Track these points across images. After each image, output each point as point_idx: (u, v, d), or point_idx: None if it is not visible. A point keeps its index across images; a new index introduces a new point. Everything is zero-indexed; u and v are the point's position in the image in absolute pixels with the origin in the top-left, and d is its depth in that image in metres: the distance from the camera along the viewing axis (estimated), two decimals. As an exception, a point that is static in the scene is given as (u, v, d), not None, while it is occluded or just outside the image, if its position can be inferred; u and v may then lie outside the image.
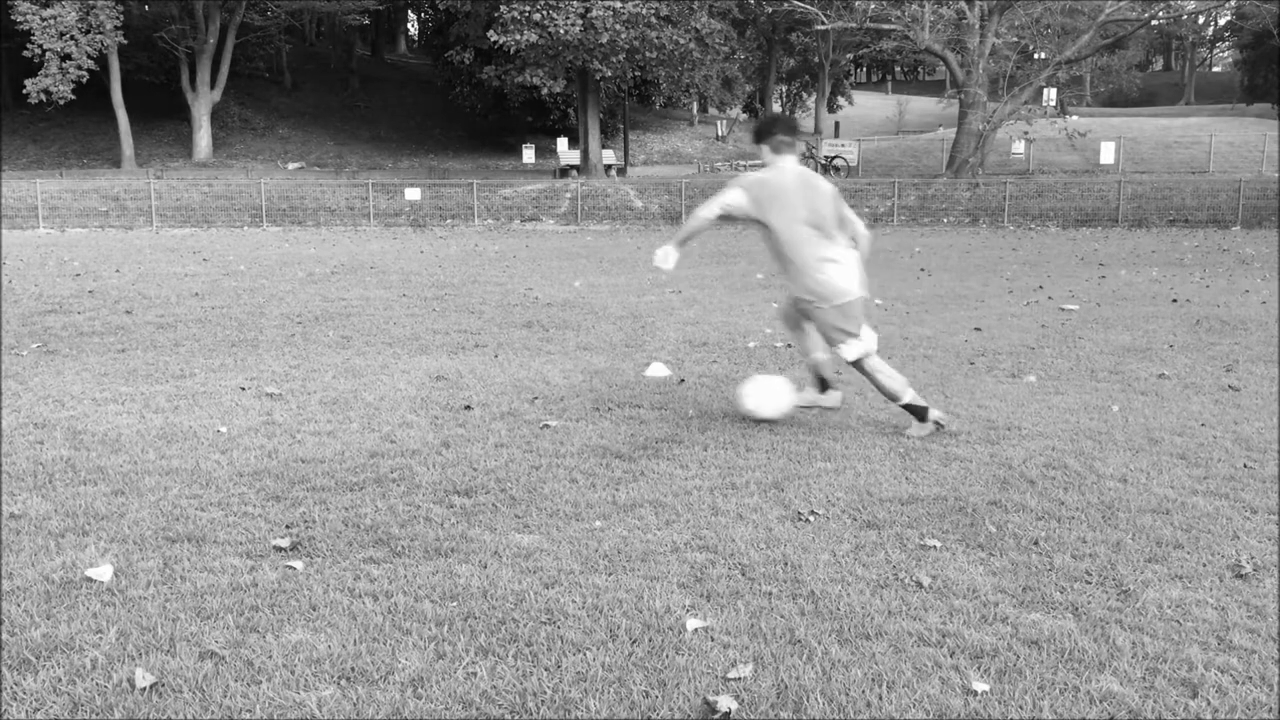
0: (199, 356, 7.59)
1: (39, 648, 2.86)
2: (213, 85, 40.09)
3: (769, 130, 5.33)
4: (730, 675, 2.73)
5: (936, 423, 5.27)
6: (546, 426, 5.40)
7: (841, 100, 66.57)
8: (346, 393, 6.24)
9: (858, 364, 5.23)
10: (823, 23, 33.36)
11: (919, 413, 5.25)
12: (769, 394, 5.50)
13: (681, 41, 34.32)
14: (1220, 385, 6.56)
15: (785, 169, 5.21)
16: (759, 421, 5.46)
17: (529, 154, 39.15)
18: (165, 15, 38.88)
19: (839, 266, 5.16)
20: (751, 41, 50.67)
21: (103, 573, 3.37)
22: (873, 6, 32.79)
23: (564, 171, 36.83)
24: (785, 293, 5.53)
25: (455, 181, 31.56)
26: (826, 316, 5.15)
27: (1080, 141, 34.60)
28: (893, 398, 5.26)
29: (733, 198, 5.13)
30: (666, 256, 5.37)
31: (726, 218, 5.19)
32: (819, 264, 5.10)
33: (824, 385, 5.56)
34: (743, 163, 44.65)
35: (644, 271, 14.68)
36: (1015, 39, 35.01)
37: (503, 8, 33.39)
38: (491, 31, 33.96)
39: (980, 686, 2.68)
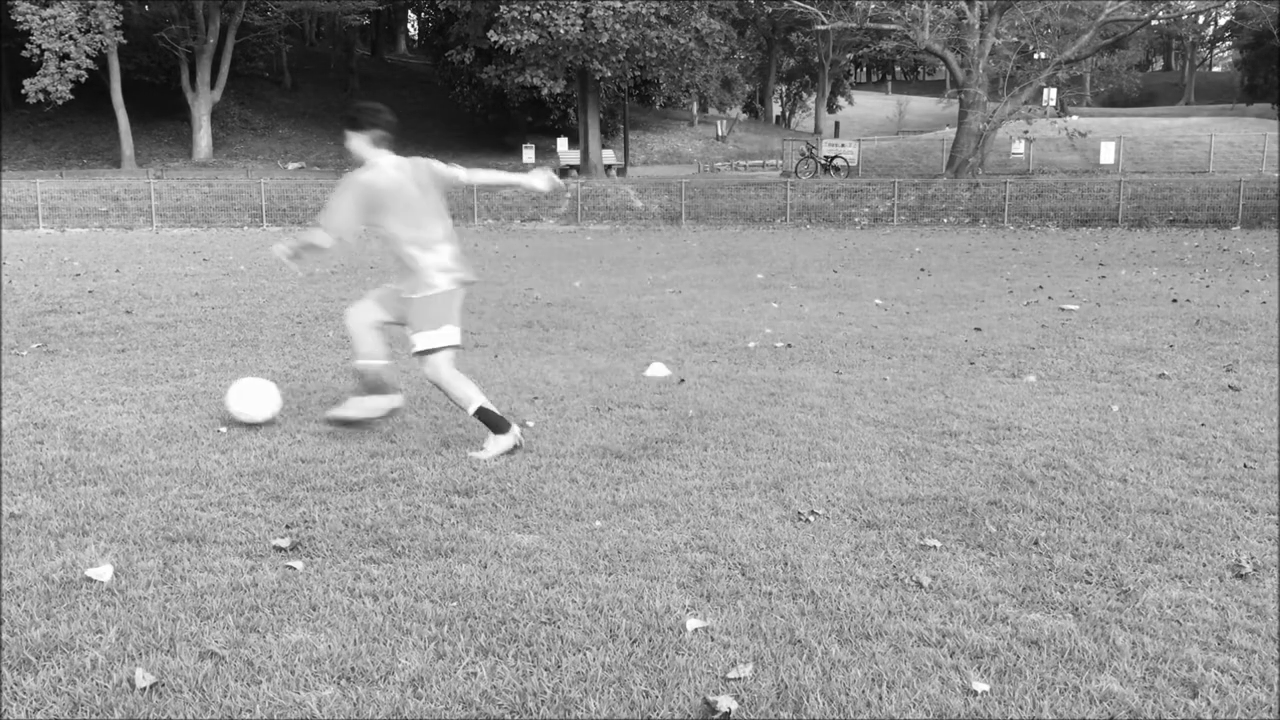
0: (199, 356, 7.59)
1: (39, 648, 2.86)
2: (213, 85, 40.11)
3: (370, 120, 4.87)
4: (730, 675, 2.73)
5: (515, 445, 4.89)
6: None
7: (841, 100, 66.63)
8: (347, 393, 6.24)
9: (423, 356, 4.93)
10: (823, 23, 33.34)
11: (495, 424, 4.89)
12: (253, 396, 5.33)
13: (681, 41, 34.33)
14: (1220, 385, 6.56)
15: (386, 166, 4.88)
16: (252, 425, 5.28)
17: (529, 154, 39.12)
18: (165, 15, 38.91)
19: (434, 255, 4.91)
20: (751, 41, 50.72)
21: (103, 573, 3.37)
22: (873, 6, 32.78)
23: (564, 171, 36.83)
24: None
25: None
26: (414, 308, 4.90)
27: (1080, 141, 34.59)
28: (461, 405, 4.95)
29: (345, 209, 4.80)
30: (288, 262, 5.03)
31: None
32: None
33: (381, 389, 5.16)
34: (743, 162, 44.71)
35: (644, 271, 14.69)
36: (1015, 39, 34.98)
37: (503, 8, 33.40)
38: (491, 31, 33.98)
39: (980, 686, 2.69)
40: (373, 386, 5.10)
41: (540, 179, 5.14)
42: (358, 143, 4.90)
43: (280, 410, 5.49)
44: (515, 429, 4.95)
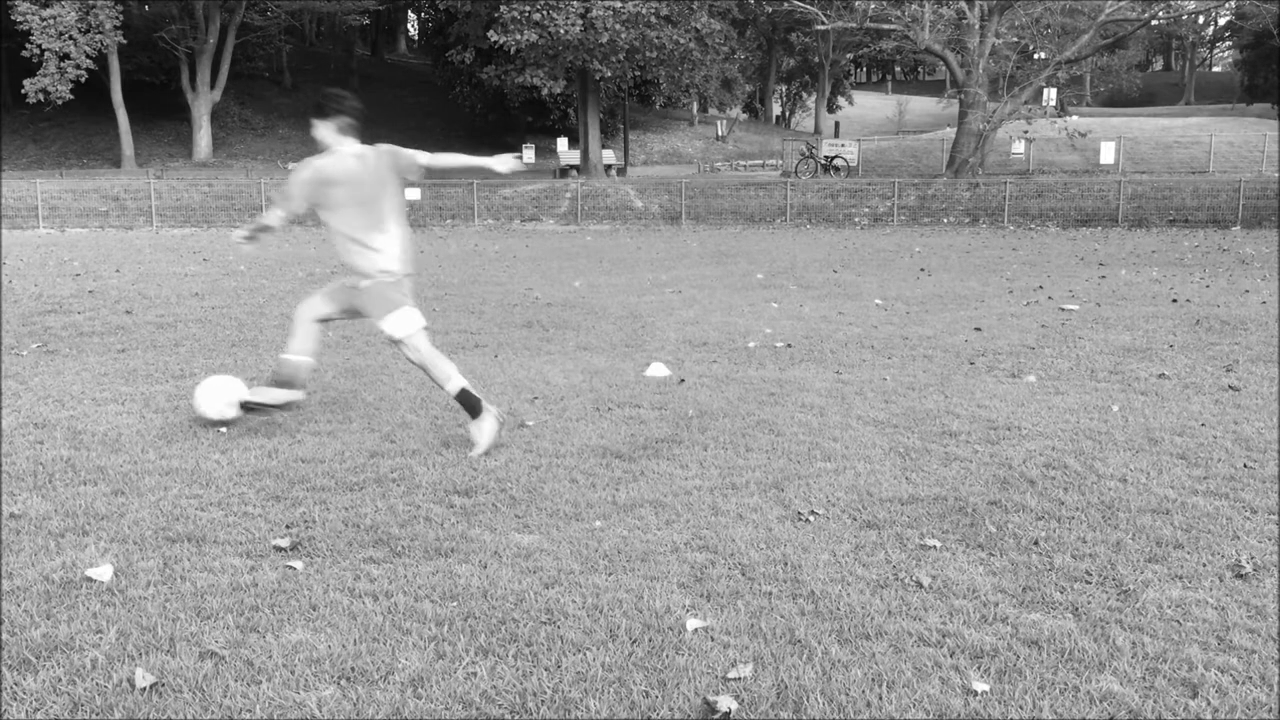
0: (199, 356, 7.59)
1: (39, 648, 2.86)
2: (213, 85, 40.13)
3: (335, 108, 4.95)
4: (730, 675, 2.73)
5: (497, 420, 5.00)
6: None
7: (841, 100, 66.64)
8: (346, 393, 6.24)
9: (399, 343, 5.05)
10: (823, 23, 33.32)
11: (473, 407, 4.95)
12: (221, 394, 5.36)
13: (681, 41, 34.32)
14: (1220, 385, 6.56)
15: (346, 154, 4.95)
16: (217, 422, 5.31)
17: (529, 154, 39.13)
18: (165, 15, 38.92)
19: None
20: (751, 41, 50.72)
21: (103, 573, 3.37)
22: (873, 6, 32.75)
23: (564, 171, 36.83)
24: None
25: (455, 181, 31.56)
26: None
27: (1080, 141, 34.57)
28: (439, 383, 5.04)
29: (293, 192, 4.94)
30: (244, 241, 5.29)
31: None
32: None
33: (291, 384, 5.31)
34: (743, 162, 44.71)
35: (644, 271, 14.69)
36: (1015, 39, 34.97)
37: (503, 8, 33.40)
38: (491, 31, 33.98)
39: (980, 686, 2.69)
40: (286, 380, 5.25)
41: (500, 163, 5.20)
42: (324, 130, 4.98)
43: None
44: (493, 409, 5.01)
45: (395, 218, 5.06)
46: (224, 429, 5.30)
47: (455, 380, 4.99)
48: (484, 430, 4.92)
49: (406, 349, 5.05)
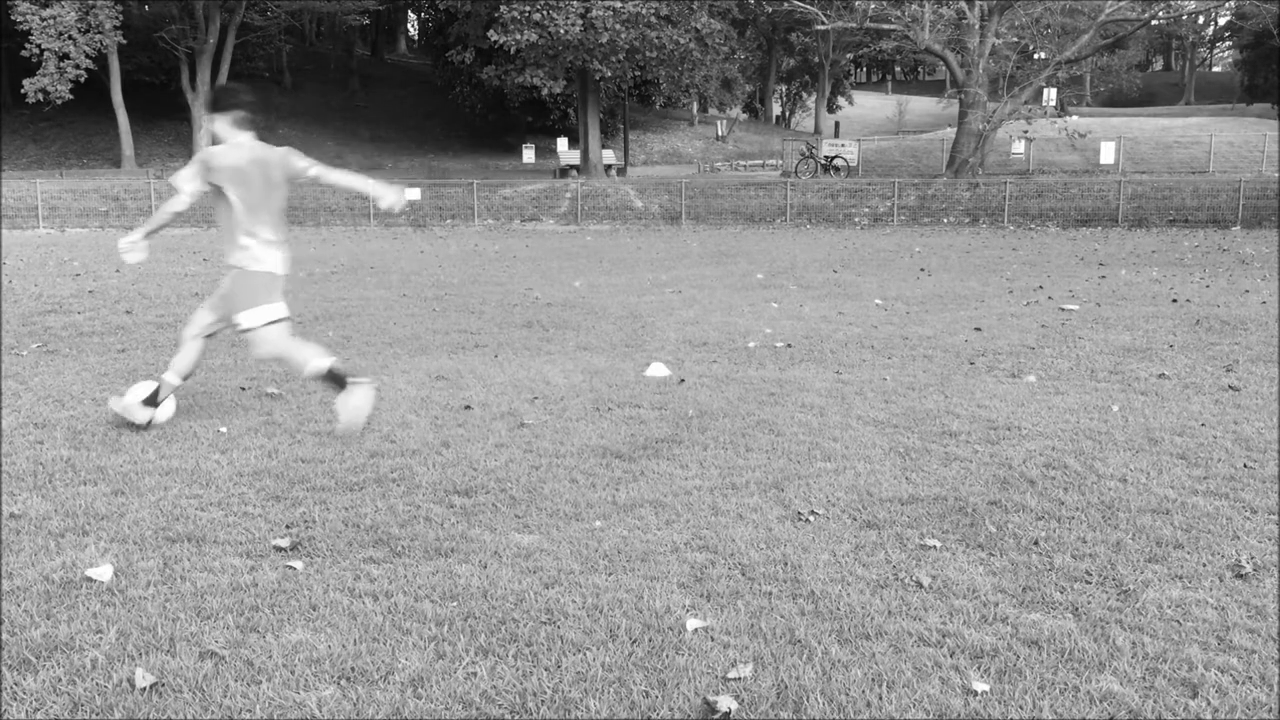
0: (199, 356, 7.59)
1: (39, 648, 2.86)
2: (213, 85, 40.12)
3: (229, 102, 5.07)
4: (730, 675, 2.74)
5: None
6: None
7: (841, 100, 66.68)
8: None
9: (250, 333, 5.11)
10: (823, 23, 33.31)
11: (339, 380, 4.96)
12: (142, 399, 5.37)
13: (681, 41, 34.34)
14: (1220, 385, 6.56)
15: (237, 146, 5.03)
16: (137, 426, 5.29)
17: (529, 154, 39.16)
18: (165, 15, 38.93)
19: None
20: (751, 41, 50.75)
21: (103, 573, 3.37)
22: (873, 6, 32.74)
23: (564, 171, 36.83)
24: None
25: (455, 181, 31.54)
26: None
27: (1080, 141, 34.58)
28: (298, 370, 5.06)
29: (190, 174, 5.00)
30: (133, 248, 5.24)
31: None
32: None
33: (156, 403, 5.37)
34: (743, 162, 44.71)
35: (644, 271, 14.69)
36: (1015, 39, 34.96)
37: (503, 8, 33.42)
38: (491, 31, 33.99)
39: (980, 686, 2.69)
40: (156, 395, 5.28)
41: (391, 195, 5.27)
42: (220, 124, 5.04)
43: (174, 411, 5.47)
44: (366, 380, 5.01)
45: (279, 218, 5.16)
46: (223, 429, 5.30)
47: (317, 361, 4.97)
48: (353, 399, 4.87)
49: (260, 345, 5.09)
